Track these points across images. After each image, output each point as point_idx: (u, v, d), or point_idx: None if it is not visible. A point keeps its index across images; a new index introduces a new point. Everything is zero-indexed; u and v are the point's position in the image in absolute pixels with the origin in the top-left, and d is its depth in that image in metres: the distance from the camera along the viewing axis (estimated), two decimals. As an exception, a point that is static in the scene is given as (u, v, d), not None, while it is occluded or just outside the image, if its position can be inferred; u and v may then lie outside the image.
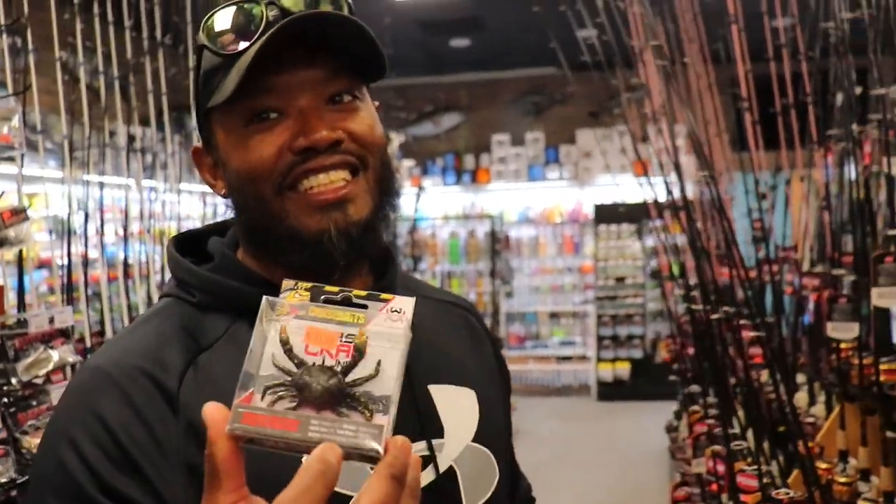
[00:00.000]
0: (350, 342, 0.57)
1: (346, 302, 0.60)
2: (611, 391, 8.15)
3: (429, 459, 0.88)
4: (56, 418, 0.81)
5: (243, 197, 0.87)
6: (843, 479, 2.11)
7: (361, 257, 0.87)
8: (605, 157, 8.74)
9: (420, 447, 0.88)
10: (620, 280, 8.37)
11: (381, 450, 0.54)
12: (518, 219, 9.21)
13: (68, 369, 2.02)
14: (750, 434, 2.60)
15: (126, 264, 3.34)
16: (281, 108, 0.83)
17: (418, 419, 0.89)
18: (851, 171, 2.15)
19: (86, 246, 3.11)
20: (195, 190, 4.52)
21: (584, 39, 4.04)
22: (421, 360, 0.92)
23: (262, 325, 0.59)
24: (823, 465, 2.07)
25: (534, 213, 9.19)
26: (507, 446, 1.05)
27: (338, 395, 0.55)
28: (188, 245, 0.96)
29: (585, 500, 5.08)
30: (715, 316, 2.11)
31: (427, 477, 0.87)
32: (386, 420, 0.55)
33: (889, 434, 2.08)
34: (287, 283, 0.60)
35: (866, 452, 2.26)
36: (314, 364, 0.56)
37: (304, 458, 0.54)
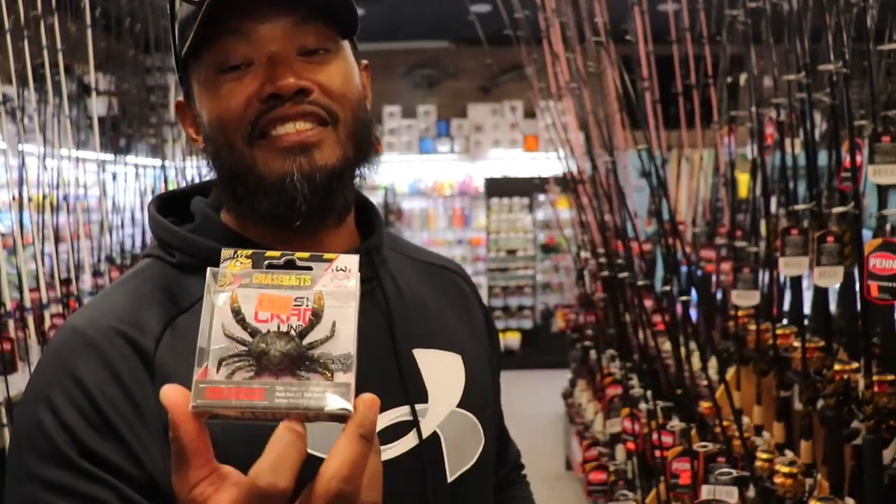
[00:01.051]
0: (300, 305, 0.56)
1: (290, 265, 0.59)
2: (503, 361, 8.36)
3: (411, 424, 0.87)
4: (35, 380, 0.80)
5: (216, 147, 0.85)
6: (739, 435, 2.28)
7: (327, 207, 0.84)
8: (496, 132, 8.93)
9: (403, 412, 0.87)
10: (511, 252, 8.58)
11: (350, 408, 0.54)
12: (409, 191, 9.25)
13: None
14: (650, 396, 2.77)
15: (13, 234, 3.17)
16: (250, 57, 0.82)
17: (402, 383, 0.88)
18: (753, 150, 2.30)
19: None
20: (81, 156, 4.30)
21: (476, 14, 4.10)
22: (406, 323, 0.92)
23: (209, 296, 0.57)
24: (724, 423, 2.24)
25: (424, 185, 9.25)
26: (495, 413, 1.04)
27: (296, 359, 0.55)
28: (171, 205, 0.94)
29: (482, 466, 5.22)
30: (642, 283, 2.23)
31: (410, 442, 0.86)
32: (350, 377, 0.55)
33: (782, 393, 2.28)
34: (226, 251, 0.59)
35: (760, 410, 2.46)
36: (268, 331, 0.56)
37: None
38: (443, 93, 9.16)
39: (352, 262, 0.59)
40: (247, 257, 0.58)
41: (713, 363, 2.85)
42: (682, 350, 2.54)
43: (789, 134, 2.29)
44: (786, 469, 1.87)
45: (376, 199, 8.81)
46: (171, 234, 0.88)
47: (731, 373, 2.60)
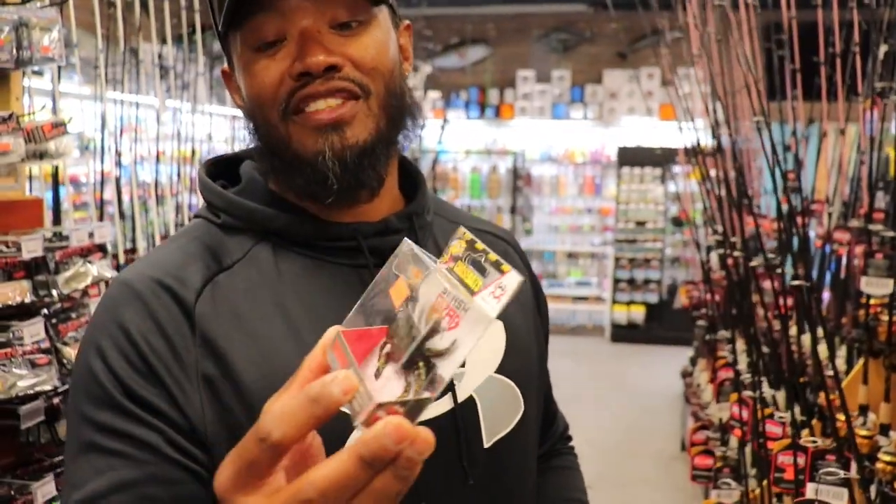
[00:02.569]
0: (458, 308, 0.55)
1: (477, 264, 0.59)
2: (624, 334, 8.20)
3: (447, 388, 0.87)
4: (89, 328, 0.85)
5: (255, 121, 0.88)
6: (864, 433, 2.13)
7: (358, 184, 0.86)
8: (631, 99, 8.66)
9: None
10: (641, 224, 8.34)
11: (359, 421, 0.51)
12: (540, 157, 9.14)
13: (102, 285, 2.05)
14: (766, 383, 2.62)
15: (157, 184, 3.35)
16: (283, 32, 0.83)
17: None
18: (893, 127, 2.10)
19: (119, 167, 3.11)
20: (219, 112, 4.50)
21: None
22: None
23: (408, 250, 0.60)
24: (842, 418, 2.09)
25: (556, 151, 9.12)
26: (540, 381, 1.03)
27: (410, 357, 0.54)
28: (222, 168, 0.98)
29: (598, 440, 5.17)
30: (754, 263, 2.10)
31: (444, 405, 0.87)
32: (398, 390, 0.53)
33: (913, 391, 2.10)
34: (459, 230, 0.61)
35: (888, 408, 2.28)
36: (408, 318, 0.56)
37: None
38: (578, 58, 8.96)
39: (512, 283, 0.56)
40: (465, 241, 0.60)
41: (842, 353, 2.67)
42: (808, 336, 2.39)
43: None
44: (907, 474, 1.72)
45: (506, 164, 8.80)
46: (217, 195, 0.91)
47: (858, 365, 2.42)
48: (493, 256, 0.58)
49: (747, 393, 2.09)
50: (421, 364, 0.54)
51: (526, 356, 0.98)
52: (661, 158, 8.08)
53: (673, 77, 3.93)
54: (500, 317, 0.97)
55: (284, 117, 0.85)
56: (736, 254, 2.24)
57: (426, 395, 0.53)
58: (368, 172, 0.86)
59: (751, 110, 3.17)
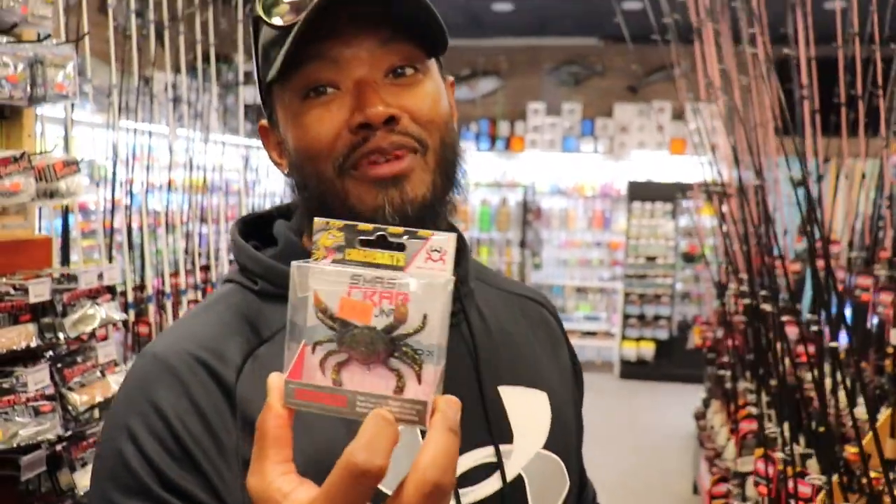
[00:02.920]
0: (392, 287, 0.55)
1: (382, 241, 0.58)
2: (634, 370, 8.11)
3: (496, 466, 0.84)
4: (116, 407, 0.79)
5: (303, 176, 0.83)
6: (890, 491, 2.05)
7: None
8: (642, 133, 8.64)
9: (487, 453, 0.84)
10: (651, 259, 8.28)
11: (423, 425, 0.54)
12: (550, 190, 9.12)
13: (111, 327, 2.01)
14: (787, 432, 2.55)
15: (168, 214, 3.31)
16: (337, 81, 0.80)
17: (486, 423, 0.85)
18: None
19: (130, 196, 3.08)
20: (231, 142, 4.49)
21: (625, 11, 3.92)
22: (492, 359, 0.89)
23: (296, 272, 0.56)
24: (873, 475, 2.02)
25: (566, 184, 9.09)
26: (578, 453, 1.01)
27: (387, 348, 0.55)
28: (254, 227, 0.92)
29: (608, 480, 5.07)
30: (786, 318, 2.04)
31: (494, 485, 0.83)
32: (434, 373, 0.54)
33: (943, 446, 2.03)
34: (318, 222, 0.58)
35: (916, 462, 2.21)
36: (341, 323, 0.55)
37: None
38: (589, 91, 8.97)
39: (447, 243, 0.57)
40: (339, 230, 0.57)
41: (862, 402, 2.60)
42: (828, 383, 2.32)
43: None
44: (941, 536, 1.65)
45: (516, 197, 8.77)
46: (255, 261, 0.86)
47: (884, 417, 2.35)
48: (398, 229, 0.57)
49: (778, 454, 2.02)
50: (404, 349, 0.55)
51: (569, 429, 0.95)
52: (671, 193, 8.06)
53: (686, 111, 3.90)
54: (545, 388, 0.94)
55: (341, 172, 0.80)
56: (767, 307, 2.18)
57: (440, 366, 0.55)
58: (429, 228, 0.82)
59: (771, 147, 3.13)
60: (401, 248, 0.57)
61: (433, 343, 0.54)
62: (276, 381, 0.55)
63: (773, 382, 2.57)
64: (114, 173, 3.17)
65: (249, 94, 4.80)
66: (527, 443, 0.87)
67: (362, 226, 0.58)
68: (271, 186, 4.74)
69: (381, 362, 0.55)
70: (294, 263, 0.56)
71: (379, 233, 0.58)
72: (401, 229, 0.57)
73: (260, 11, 0.81)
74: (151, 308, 2.88)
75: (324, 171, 0.81)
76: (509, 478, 0.84)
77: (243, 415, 0.76)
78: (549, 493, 0.88)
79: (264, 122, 0.90)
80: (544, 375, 0.94)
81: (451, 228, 0.94)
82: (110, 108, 2.98)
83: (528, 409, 0.89)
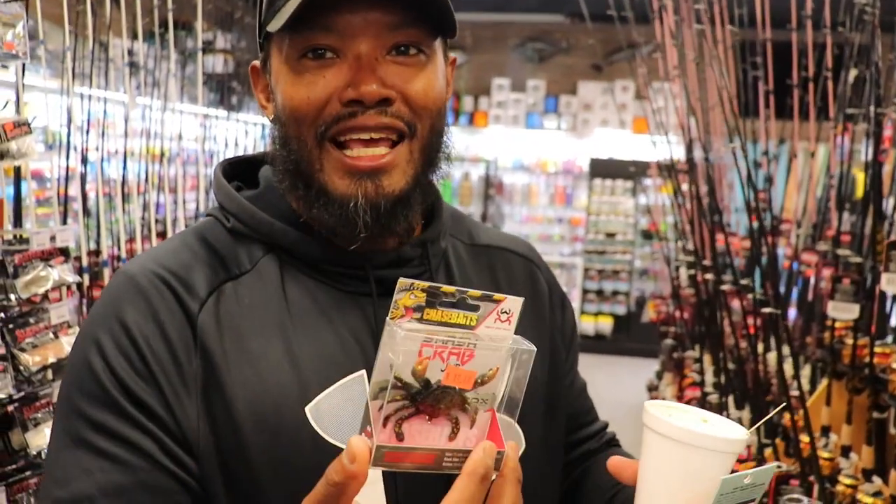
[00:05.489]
0: (461, 346, 0.61)
1: (462, 302, 0.63)
2: (592, 344, 8.23)
3: None
4: (89, 320, 0.82)
5: (285, 132, 0.84)
6: (826, 455, 2.14)
7: (387, 230, 0.83)
8: (605, 111, 8.70)
9: None
10: (610, 235, 8.39)
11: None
12: (512, 165, 9.15)
13: (64, 289, 2.00)
14: (732, 405, 2.63)
15: (125, 182, 3.28)
16: (338, 48, 0.80)
17: None
18: (868, 153, 2.12)
19: (84, 163, 3.04)
20: (190, 111, 4.44)
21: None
22: None
23: (385, 335, 0.61)
24: (806, 439, 2.10)
25: (528, 160, 9.13)
26: (550, 415, 0.97)
27: (454, 401, 0.62)
28: (240, 169, 0.94)
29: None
30: (725, 287, 2.11)
31: None
32: (486, 419, 0.63)
33: (876, 414, 2.12)
34: (403, 282, 0.61)
35: (849, 430, 2.30)
36: (437, 383, 0.62)
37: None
38: (553, 68, 8.98)
39: (516, 305, 0.64)
40: (423, 290, 0.61)
41: (806, 373, 2.69)
42: (773, 355, 2.40)
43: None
44: (869, 500, 1.74)
45: (479, 171, 8.80)
46: (230, 198, 0.88)
47: (821, 387, 2.44)
48: (476, 292, 0.63)
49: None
50: (471, 401, 0.62)
51: (535, 387, 0.91)
52: (632, 171, 8.15)
53: (647, 91, 3.95)
54: None
55: (320, 140, 0.82)
56: (707, 276, 2.25)
57: (491, 410, 0.64)
58: (400, 220, 0.83)
59: (724, 127, 3.19)
60: (475, 308, 0.63)
61: (490, 392, 0.62)
62: (360, 445, 0.59)
63: (721, 355, 2.65)
64: (68, 140, 3.12)
65: (209, 62, 4.74)
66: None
67: (445, 288, 0.62)
68: (231, 156, 4.70)
69: (446, 414, 0.62)
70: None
71: (461, 296, 0.63)
72: (479, 293, 0.62)
73: None
74: (107, 272, 2.86)
75: (305, 134, 0.82)
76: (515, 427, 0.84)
77: (202, 345, 0.79)
78: None
79: (257, 63, 0.90)
80: None
81: (431, 203, 0.94)
82: (64, 74, 2.93)
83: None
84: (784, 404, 1.62)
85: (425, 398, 0.61)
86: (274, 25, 0.80)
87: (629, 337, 8.11)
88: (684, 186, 3.69)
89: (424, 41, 0.83)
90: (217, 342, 0.79)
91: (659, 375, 4.85)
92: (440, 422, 0.62)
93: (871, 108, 2.13)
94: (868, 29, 2.58)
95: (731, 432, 0.69)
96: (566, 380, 1.04)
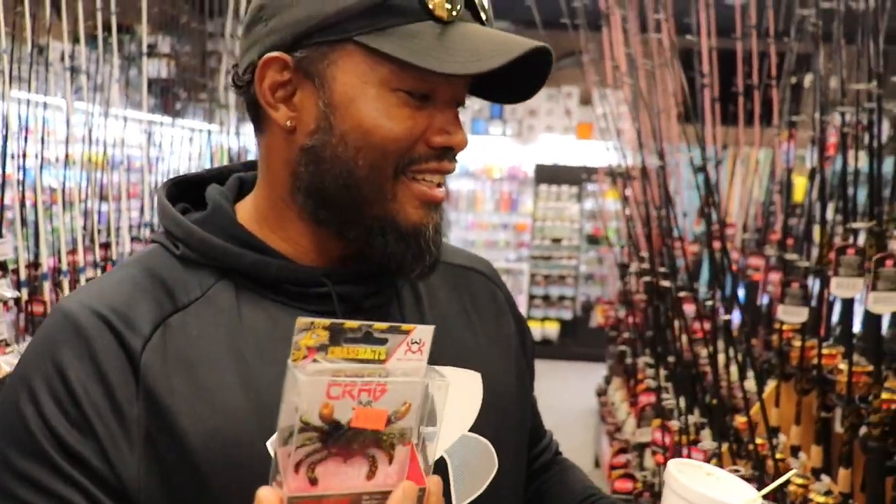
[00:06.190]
0: (370, 383, 0.59)
1: (367, 337, 0.61)
2: (539, 350, 7.96)
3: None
4: (23, 361, 0.78)
5: (354, 158, 0.78)
6: (778, 456, 2.18)
7: (434, 263, 0.85)
8: (550, 117, 8.78)
9: None
10: (556, 241, 8.47)
11: None
12: (458, 171, 9.12)
13: (1, 305, 1.92)
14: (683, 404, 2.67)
15: (65, 190, 3.17)
16: (433, 91, 0.79)
17: None
18: (813, 159, 2.17)
19: (23, 171, 2.93)
20: (133, 117, 4.33)
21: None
22: None
23: (288, 379, 0.60)
24: (759, 441, 2.14)
25: (474, 167, 9.16)
26: (518, 430, 0.96)
27: (369, 440, 0.60)
28: (185, 189, 0.89)
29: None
30: (683, 294, 2.14)
31: None
32: (406, 453, 0.61)
33: (823, 414, 2.17)
34: (302, 321, 0.59)
35: (798, 430, 2.35)
36: (347, 424, 0.60)
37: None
38: (498, 74, 9.03)
39: (427, 334, 0.62)
40: (324, 328, 0.59)
41: (752, 376, 2.74)
42: (721, 358, 2.44)
43: (853, 145, 2.16)
44: (821, 498, 1.77)
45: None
46: (176, 224, 0.83)
47: (770, 388, 2.49)
48: (382, 325, 0.61)
49: (673, 423, 2.12)
50: (383, 437, 0.60)
51: (504, 408, 0.92)
52: (577, 177, 8.24)
53: (593, 97, 4.00)
54: (479, 367, 0.93)
55: (397, 174, 0.80)
56: (665, 283, 2.28)
57: (410, 444, 0.62)
58: (436, 252, 0.85)
59: (672, 133, 3.25)
60: (383, 341, 0.61)
61: (406, 426, 0.61)
62: (269, 497, 0.58)
63: (670, 359, 2.69)
64: (4, 147, 3.01)
65: (153, 67, 4.63)
66: (452, 426, 0.85)
67: (348, 324, 0.60)
68: (175, 164, 4.59)
69: (361, 454, 0.60)
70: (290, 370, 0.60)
71: (366, 330, 0.61)
72: (385, 325, 0.61)
73: None
74: (47, 286, 2.76)
75: (383, 165, 0.79)
76: (430, 461, 0.84)
77: (146, 388, 0.74)
78: (474, 476, 0.86)
79: (282, 55, 0.79)
80: (480, 354, 0.92)
81: None
82: (0, 76, 2.82)
83: (456, 390, 0.89)
84: (795, 470, 1.67)
85: (337, 440, 0.59)
86: (422, 62, 0.76)
87: (576, 342, 8.19)
88: (628, 191, 3.75)
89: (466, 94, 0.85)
90: (164, 381, 0.75)
91: (607, 380, 4.91)
92: (356, 461, 0.60)
93: (816, 116, 2.19)
94: (808, 38, 2.66)
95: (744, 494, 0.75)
96: (531, 397, 1.04)
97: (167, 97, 4.81)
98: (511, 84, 0.85)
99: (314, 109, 0.79)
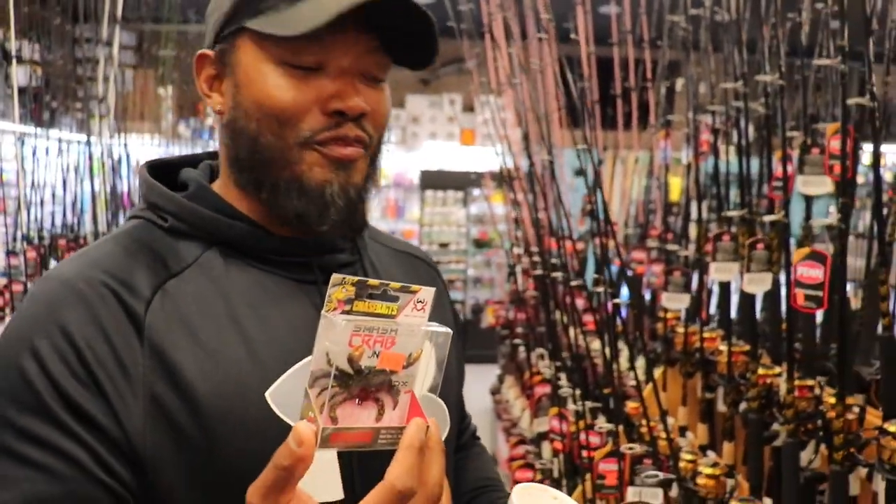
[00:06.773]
0: (384, 334, 0.67)
1: (384, 295, 0.69)
2: (430, 354, 8.36)
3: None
4: (17, 327, 0.78)
5: (256, 128, 0.86)
6: (665, 436, 2.31)
7: (351, 222, 0.89)
8: (433, 124, 8.90)
9: None
10: (444, 246, 8.58)
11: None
12: (343, 180, 9.15)
13: None
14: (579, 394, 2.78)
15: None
16: (322, 62, 0.84)
17: None
18: (688, 155, 2.33)
19: None
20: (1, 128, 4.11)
21: (420, 4, 4.05)
22: None
23: (322, 326, 0.66)
24: (651, 423, 2.26)
25: (360, 175, 9.17)
26: (459, 396, 1.10)
27: (380, 384, 0.67)
28: (160, 172, 0.94)
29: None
30: (575, 283, 2.24)
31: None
32: (407, 399, 0.69)
33: (707, 395, 2.32)
34: (336, 277, 0.66)
35: (685, 411, 2.50)
36: (369, 370, 0.67)
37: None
38: (381, 82, 9.08)
39: (429, 295, 0.70)
40: (352, 284, 0.66)
41: (641, 363, 2.89)
42: (609, 350, 2.56)
43: (724, 141, 2.33)
44: (709, 470, 1.89)
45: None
46: (167, 198, 0.88)
47: (658, 374, 2.64)
48: (396, 284, 0.68)
49: (571, 407, 2.22)
50: (391, 383, 0.68)
51: (450, 378, 0.99)
52: (462, 182, 8.39)
53: (476, 103, 4.10)
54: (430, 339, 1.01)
55: (305, 145, 0.85)
56: (556, 274, 2.38)
57: (411, 391, 0.69)
58: (359, 214, 0.89)
59: (555, 137, 3.37)
60: (396, 299, 0.69)
61: (411, 375, 0.69)
62: (306, 429, 0.62)
63: (564, 355, 2.80)
64: None
65: (22, 74, 4.41)
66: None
67: (371, 282, 0.67)
68: (50, 177, 4.38)
69: (373, 398, 0.66)
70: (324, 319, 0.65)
71: (384, 288, 0.68)
72: (399, 285, 0.68)
73: None
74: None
75: (285, 136, 0.85)
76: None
77: (151, 346, 0.78)
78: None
79: (206, 51, 0.90)
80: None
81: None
82: None
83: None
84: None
85: (358, 383, 0.65)
86: (276, 30, 0.82)
87: (467, 344, 8.31)
88: (521, 195, 3.86)
89: (387, 70, 0.89)
90: (169, 338, 0.78)
91: (500, 379, 5.02)
92: (368, 405, 0.66)
93: (690, 115, 2.34)
94: (678, 45, 2.84)
95: None
96: (463, 376, 1.14)
97: (36, 106, 4.59)
98: (414, 50, 0.89)
99: (231, 92, 0.88)
